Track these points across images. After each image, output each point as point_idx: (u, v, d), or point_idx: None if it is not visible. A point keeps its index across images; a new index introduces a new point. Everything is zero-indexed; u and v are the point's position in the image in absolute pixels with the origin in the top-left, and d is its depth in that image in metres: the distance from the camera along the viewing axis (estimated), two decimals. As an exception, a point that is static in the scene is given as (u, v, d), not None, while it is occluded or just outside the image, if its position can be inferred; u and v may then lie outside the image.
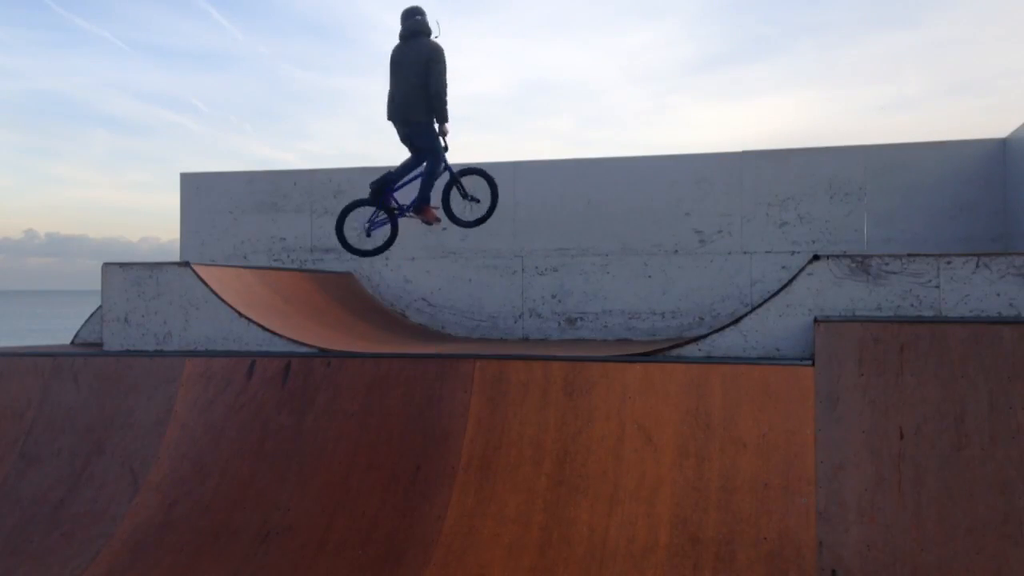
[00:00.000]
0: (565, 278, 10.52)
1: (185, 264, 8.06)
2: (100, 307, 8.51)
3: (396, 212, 8.04)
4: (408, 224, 11.06)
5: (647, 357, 6.76)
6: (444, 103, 7.38)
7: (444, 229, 10.90)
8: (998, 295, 6.09)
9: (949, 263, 6.21)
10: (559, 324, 10.49)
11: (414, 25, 7.43)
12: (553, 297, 10.53)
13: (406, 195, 8.11)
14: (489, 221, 10.77)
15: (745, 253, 10.05)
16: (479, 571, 5.68)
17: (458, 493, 6.10)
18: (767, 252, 10.01)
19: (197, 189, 11.80)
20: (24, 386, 7.64)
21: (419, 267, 10.99)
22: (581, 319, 10.44)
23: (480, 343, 9.83)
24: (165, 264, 8.16)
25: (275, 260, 11.42)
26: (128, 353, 7.89)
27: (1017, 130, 9.13)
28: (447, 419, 6.51)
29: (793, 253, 9.84)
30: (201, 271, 8.08)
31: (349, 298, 10.50)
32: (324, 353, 7.34)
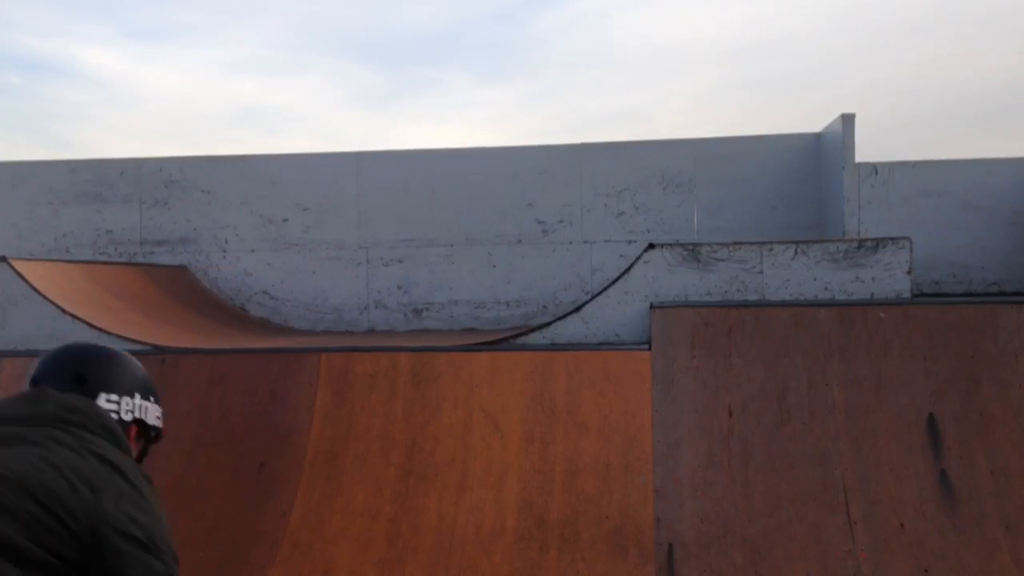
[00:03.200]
0: (410, 269, 10.50)
1: (1, 258, 7.51)
2: (-99, 307, 7.79)
3: None
4: (246, 215, 10.75)
5: (493, 346, 6.86)
6: None
7: (285, 220, 10.67)
8: (815, 279, 6.56)
9: (771, 250, 6.62)
10: (405, 315, 10.47)
11: None
12: (399, 288, 10.50)
13: None
14: (332, 212, 10.65)
15: (585, 242, 10.36)
16: (326, 565, 5.61)
17: (304, 488, 6.00)
18: (606, 241, 10.35)
19: (12, 178, 10.99)
20: None
21: (259, 259, 10.68)
22: (427, 310, 10.45)
23: (325, 336, 9.68)
24: (-23, 259, 7.57)
25: (101, 254, 10.80)
26: (-64, 356, 7.27)
27: (830, 124, 9.83)
28: (292, 414, 6.38)
29: (630, 242, 10.21)
30: (19, 266, 7.55)
31: (184, 293, 10.08)
32: (158, 350, 7.02)
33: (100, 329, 7.30)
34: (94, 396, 2.06)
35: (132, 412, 2.15)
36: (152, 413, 2.24)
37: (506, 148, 10.66)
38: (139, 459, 2.19)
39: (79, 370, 2.08)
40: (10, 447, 1.77)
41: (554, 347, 6.70)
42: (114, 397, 2.09)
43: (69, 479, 1.75)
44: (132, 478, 1.89)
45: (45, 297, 7.41)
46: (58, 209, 10.92)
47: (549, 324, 7.01)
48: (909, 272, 6.48)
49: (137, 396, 2.18)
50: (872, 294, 6.47)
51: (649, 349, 6.37)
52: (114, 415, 2.08)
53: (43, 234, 10.92)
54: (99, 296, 8.35)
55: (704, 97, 31.25)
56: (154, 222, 10.82)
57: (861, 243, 6.57)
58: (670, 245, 6.80)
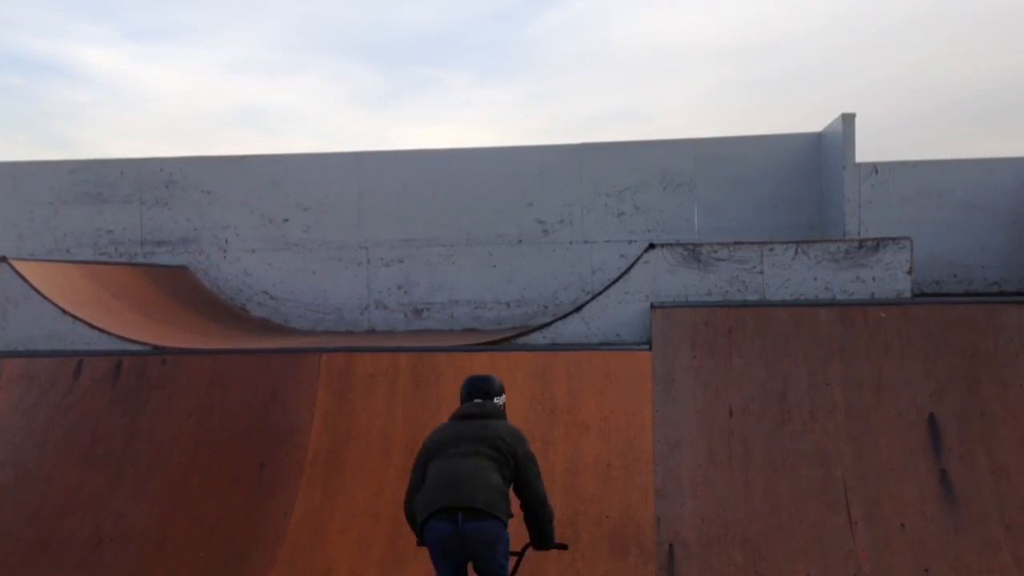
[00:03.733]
0: (411, 269, 10.50)
1: (2, 259, 7.51)
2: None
3: None
4: (246, 215, 10.74)
5: (493, 346, 6.86)
6: None
7: (286, 221, 10.67)
8: (815, 279, 6.56)
9: (771, 250, 6.62)
10: (406, 315, 10.47)
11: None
12: (399, 288, 10.50)
13: None
14: (332, 212, 10.67)
15: (586, 242, 10.35)
16: (327, 566, 5.61)
17: (305, 488, 6.00)
18: (606, 241, 10.35)
19: (13, 179, 10.99)
20: None
21: (260, 259, 10.68)
22: (427, 310, 10.45)
23: (325, 336, 9.68)
24: (-22, 259, 7.57)
25: (102, 254, 10.80)
26: (-64, 356, 7.27)
27: (830, 124, 9.83)
28: (292, 414, 6.38)
29: (631, 242, 10.21)
30: (20, 266, 7.55)
31: (185, 293, 10.09)
32: (158, 350, 7.03)
33: (100, 329, 7.31)
34: (492, 399, 4.43)
35: (503, 401, 4.49)
36: (504, 399, 4.53)
37: (506, 148, 10.65)
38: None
39: (486, 388, 4.44)
40: (483, 427, 4.22)
41: (555, 347, 6.70)
42: (497, 398, 4.45)
43: (504, 437, 4.19)
44: (521, 433, 4.31)
45: (45, 297, 7.41)
46: (59, 209, 10.93)
47: (549, 324, 7.01)
48: (909, 272, 6.49)
49: (503, 395, 4.50)
50: (872, 294, 6.48)
51: (649, 349, 6.37)
52: (500, 405, 4.46)
53: (44, 234, 10.93)
54: (99, 296, 8.35)
55: (704, 97, 31.27)
56: (154, 222, 10.83)
57: (861, 243, 6.57)
58: (670, 245, 6.80)
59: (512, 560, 4.20)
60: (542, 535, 4.24)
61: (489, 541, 4.00)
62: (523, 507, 4.24)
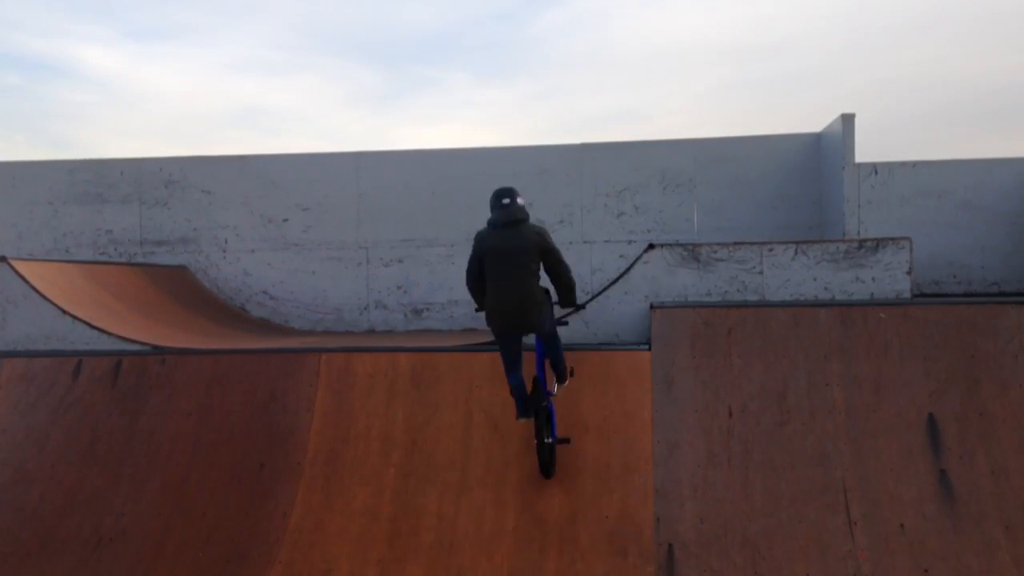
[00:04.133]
0: (410, 269, 10.50)
1: (1, 259, 7.50)
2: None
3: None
4: (246, 215, 10.74)
5: (493, 346, 6.84)
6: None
7: (285, 220, 10.67)
8: (815, 279, 6.55)
9: (771, 250, 6.62)
10: (405, 315, 10.47)
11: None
12: (399, 288, 10.50)
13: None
14: (332, 212, 10.67)
15: (585, 242, 10.35)
16: (326, 566, 5.61)
17: (304, 489, 6.00)
18: (606, 241, 10.35)
19: (12, 179, 11.00)
20: None
21: (259, 259, 10.68)
22: (427, 310, 10.45)
23: (325, 336, 9.68)
24: (-23, 259, 7.56)
25: (101, 254, 10.80)
26: (-64, 356, 7.27)
27: (830, 124, 9.82)
28: (292, 415, 6.38)
29: (630, 242, 10.21)
30: (19, 266, 7.54)
31: (184, 293, 10.08)
32: (158, 350, 7.03)
33: (100, 329, 7.30)
34: (516, 199, 5.63)
35: (524, 202, 5.66)
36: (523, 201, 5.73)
37: (506, 148, 10.65)
38: None
39: (513, 193, 5.61)
40: (517, 237, 5.58)
41: (554, 347, 6.68)
42: (519, 199, 5.61)
43: (535, 236, 5.61)
44: (543, 231, 5.71)
45: (45, 297, 7.41)
46: (58, 209, 10.93)
47: (549, 324, 6.99)
48: (909, 272, 6.48)
49: (522, 197, 5.66)
50: (872, 294, 6.47)
51: (649, 349, 6.37)
52: (523, 205, 5.63)
53: (43, 234, 10.93)
54: (99, 296, 8.35)
55: (704, 97, 31.27)
56: (154, 222, 10.83)
57: (861, 243, 6.57)
58: (670, 245, 6.79)
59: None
60: (566, 295, 5.72)
61: (542, 325, 5.64)
62: (551, 278, 5.70)
